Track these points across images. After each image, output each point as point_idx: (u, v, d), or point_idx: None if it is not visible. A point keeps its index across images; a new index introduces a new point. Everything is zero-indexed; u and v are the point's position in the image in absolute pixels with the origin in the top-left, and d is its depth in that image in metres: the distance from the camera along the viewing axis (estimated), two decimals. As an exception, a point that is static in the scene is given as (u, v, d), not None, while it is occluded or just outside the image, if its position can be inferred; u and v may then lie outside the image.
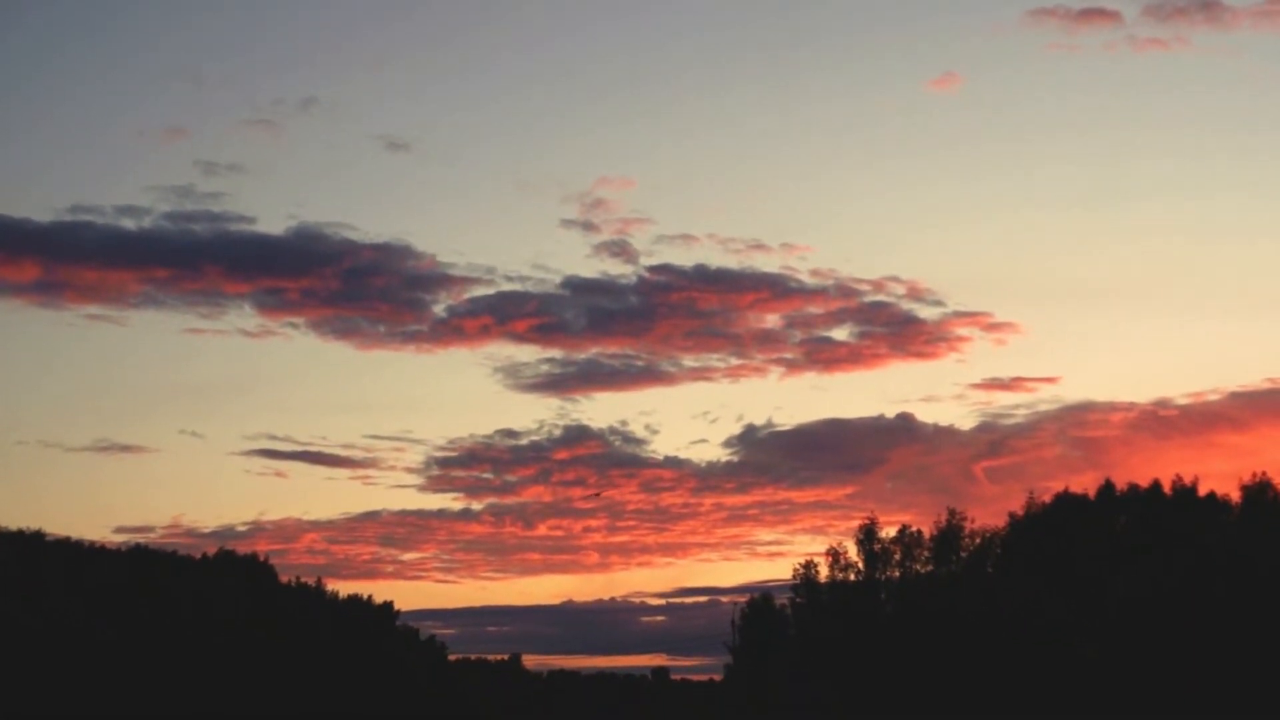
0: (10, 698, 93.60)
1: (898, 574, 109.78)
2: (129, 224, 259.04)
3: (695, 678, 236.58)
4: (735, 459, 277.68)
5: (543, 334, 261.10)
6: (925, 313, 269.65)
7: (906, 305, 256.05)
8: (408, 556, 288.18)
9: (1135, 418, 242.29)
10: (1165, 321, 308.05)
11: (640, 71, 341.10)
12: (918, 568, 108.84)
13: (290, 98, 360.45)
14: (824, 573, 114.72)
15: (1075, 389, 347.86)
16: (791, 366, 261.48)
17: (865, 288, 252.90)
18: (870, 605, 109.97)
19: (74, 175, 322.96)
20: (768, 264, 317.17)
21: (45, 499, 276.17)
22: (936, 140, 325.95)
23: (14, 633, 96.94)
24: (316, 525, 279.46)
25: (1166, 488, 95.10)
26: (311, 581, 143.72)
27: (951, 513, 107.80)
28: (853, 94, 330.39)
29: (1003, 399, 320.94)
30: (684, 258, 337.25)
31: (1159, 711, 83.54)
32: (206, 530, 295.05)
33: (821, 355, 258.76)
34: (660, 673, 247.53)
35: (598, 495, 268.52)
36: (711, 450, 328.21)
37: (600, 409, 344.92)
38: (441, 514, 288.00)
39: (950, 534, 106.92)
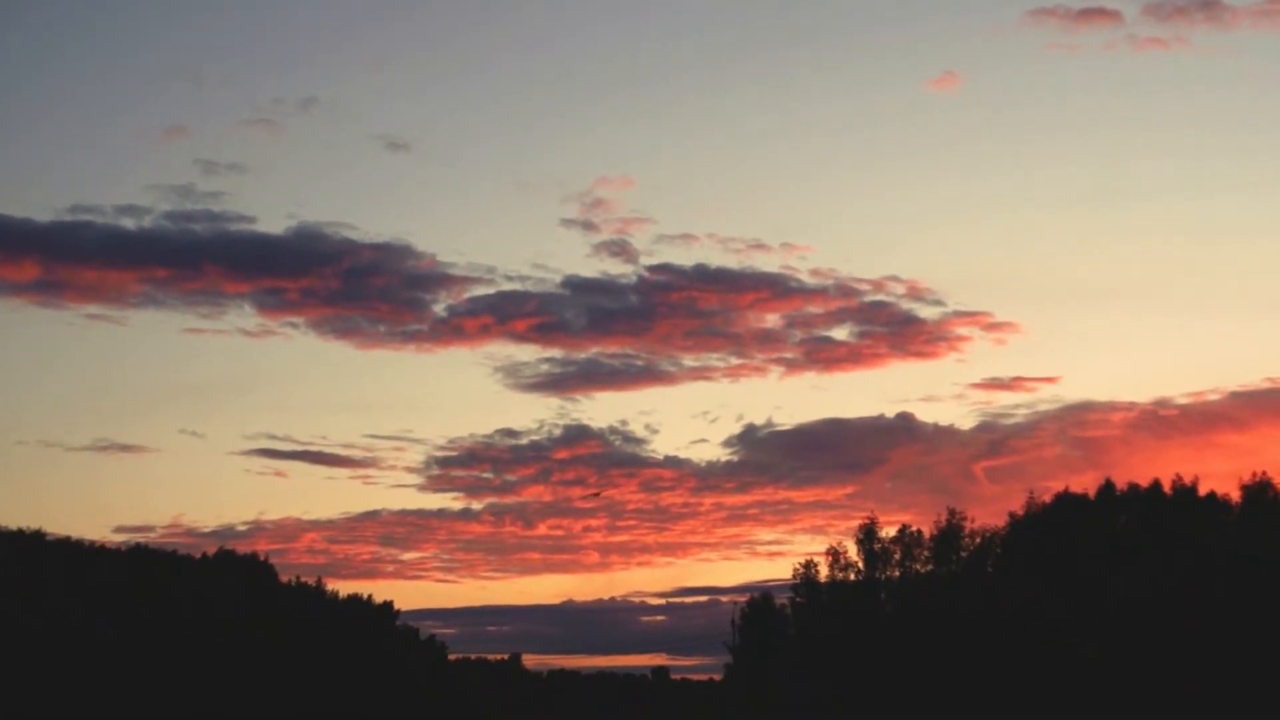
0: (10, 698, 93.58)
1: (898, 574, 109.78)
2: (129, 223, 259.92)
3: (695, 677, 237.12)
4: (735, 459, 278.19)
5: (543, 333, 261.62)
6: (925, 312, 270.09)
7: (906, 305, 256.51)
8: (408, 556, 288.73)
9: (1135, 417, 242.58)
10: (1165, 321, 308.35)
11: (640, 71, 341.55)
12: (918, 567, 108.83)
13: (290, 97, 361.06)
14: (824, 572, 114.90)
15: (1075, 389, 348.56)
16: (791, 366, 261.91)
17: (865, 287, 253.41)
18: (870, 605, 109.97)
19: (74, 175, 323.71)
20: (768, 264, 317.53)
21: (45, 498, 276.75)
22: (936, 140, 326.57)
23: (14, 633, 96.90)
24: (316, 525, 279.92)
25: (1167, 487, 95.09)
26: (311, 581, 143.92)
27: (951, 512, 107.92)
28: (853, 94, 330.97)
29: (1003, 399, 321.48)
30: (684, 257, 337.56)
31: (1159, 711, 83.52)
32: (206, 530, 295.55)
33: (821, 355, 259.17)
34: (660, 672, 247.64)
35: (597, 495, 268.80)
36: (711, 450, 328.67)
37: (600, 408, 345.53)
38: (441, 513, 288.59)
39: (950, 534, 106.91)
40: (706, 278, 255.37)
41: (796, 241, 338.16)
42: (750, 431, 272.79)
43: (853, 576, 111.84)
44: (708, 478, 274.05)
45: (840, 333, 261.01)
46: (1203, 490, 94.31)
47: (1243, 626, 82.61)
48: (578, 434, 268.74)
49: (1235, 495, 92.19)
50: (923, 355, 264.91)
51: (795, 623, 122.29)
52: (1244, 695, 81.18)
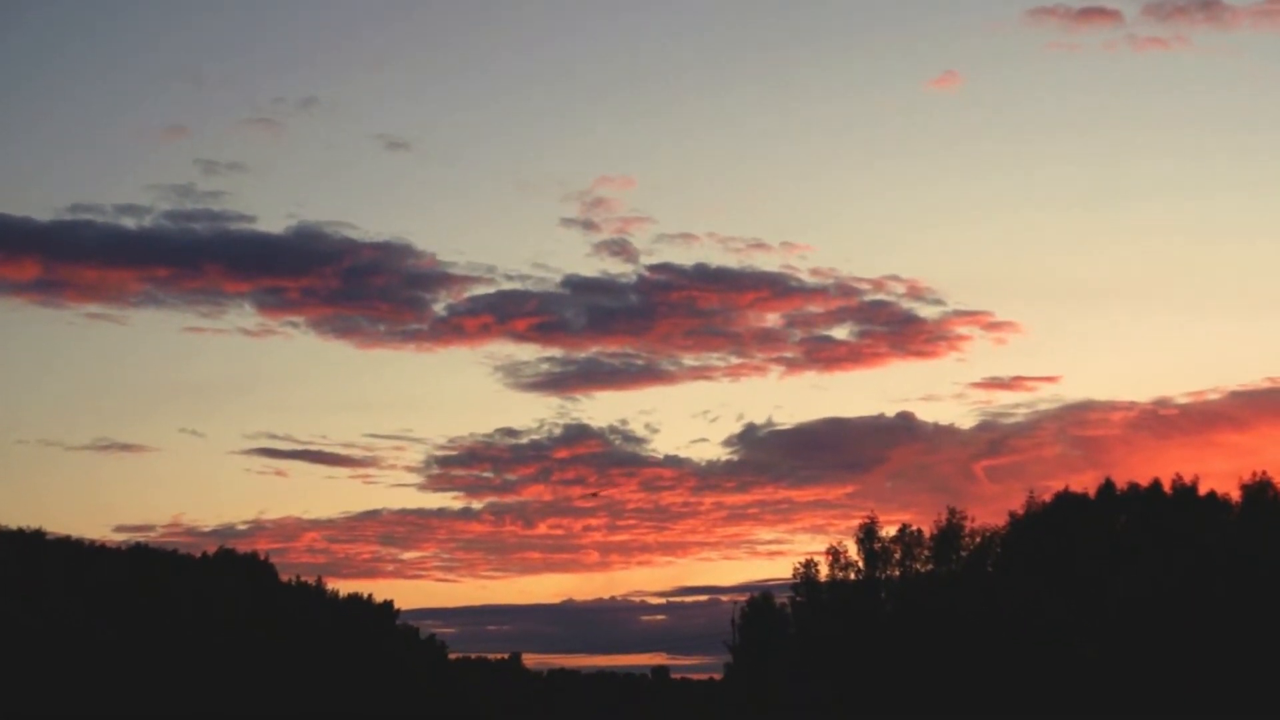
0: (10, 698, 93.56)
1: (898, 573, 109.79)
2: (129, 223, 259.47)
3: (695, 677, 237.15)
4: (735, 458, 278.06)
5: (543, 333, 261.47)
6: (925, 312, 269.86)
7: (907, 304, 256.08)
8: (408, 555, 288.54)
9: (1135, 417, 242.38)
10: (1165, 321, 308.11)
11: (640, 71, 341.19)
12: (918, 567, 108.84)
13: (290, 97, 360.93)
14: (824, 572, 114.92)
15: (1075, 388, 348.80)
16: (791, 365, 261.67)
17: (865, 287, 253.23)
18: (870, 604, 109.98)
19: (74, 174, 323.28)
20: (768, 263, 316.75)
21: (45, 498, 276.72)
22: (936, 139, 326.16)
23: (14, 633, 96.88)
24: (317, 524, 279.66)
25: (1167, 487, 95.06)
26: (312, 580, 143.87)
27: (952, 512, 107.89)
28: (853, 94, 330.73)
29: (1003, 398, 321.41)
30: (684, 257, 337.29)
31: (1159, 711, 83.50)
32: (207, 529, 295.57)
33: (821, 354, 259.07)
34: (660, 672, 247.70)
35: (595, 495, 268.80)
36: (711, 449, 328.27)
37: (600, 408, 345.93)
38: (442, 513, 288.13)
39: (950, 533, 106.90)
40: (707, 277, 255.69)
41: (797, 241, 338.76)
42: (750, 431, 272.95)
43: (853, 576, 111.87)
44: (708, 477, 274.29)
45: (840, 332, 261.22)
46: (1203, 490, 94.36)
47: (1243, 626, 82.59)
48: (578, 433, 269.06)
49: (1235, 495, 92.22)
50: (923, 355, 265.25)
51: (795, 622, 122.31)
52: (1244, 695, 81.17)
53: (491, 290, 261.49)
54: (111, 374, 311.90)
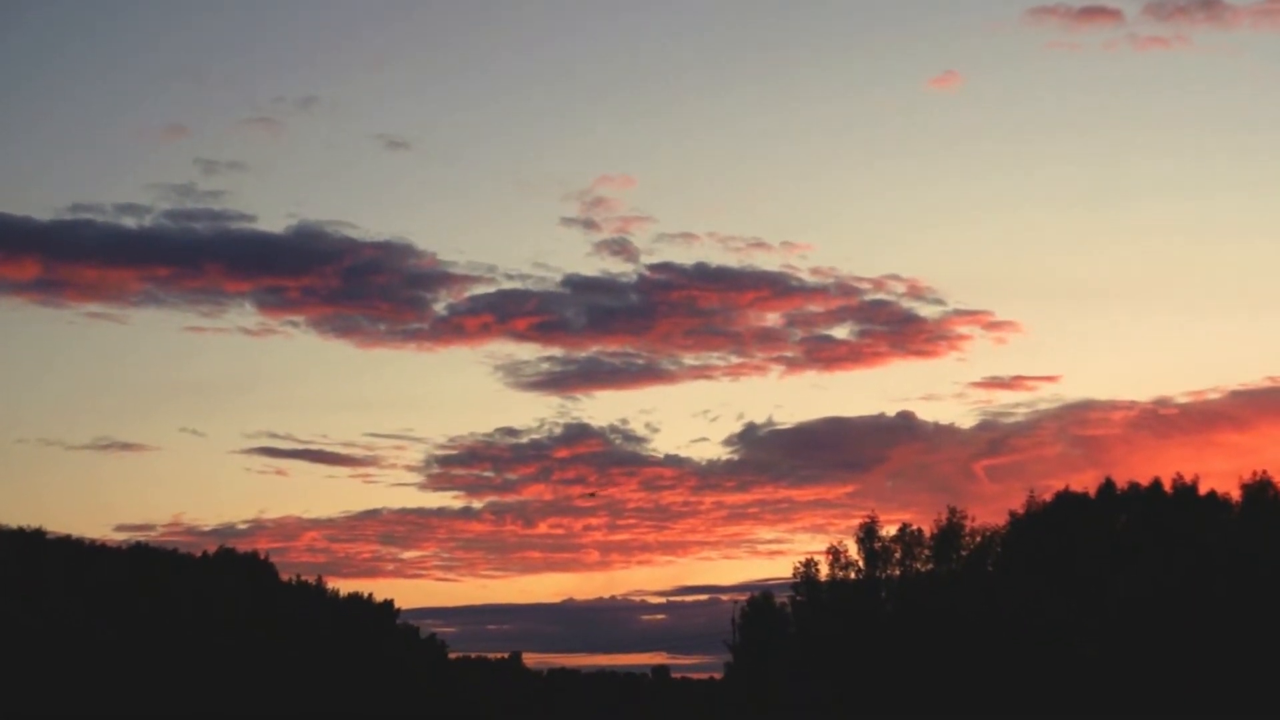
0: (10, 698, 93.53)
1: (898, 573, 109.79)
2: (129, 222, 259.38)
3: (696, 676, 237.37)
4: (735, 457, 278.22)
5: (543, 332, 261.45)
6: (926, 311, 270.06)
7: (907, 304, 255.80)
8: (408, 555, 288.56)
9: (1136, 416, 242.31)
10: (1166, 320, 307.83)
11: (640, 71, 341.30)
12: (918, 566, 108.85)
13: (290, 96, 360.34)
14: (824, 571, 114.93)
15: (1076, 387, 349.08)
16: (792, 365, 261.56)
17: (866, 286, 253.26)
18: (870, 604, 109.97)
19: (74, 174, 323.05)
20: (768, 262, 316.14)
21: (46, 497, 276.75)
22: (937, 139, 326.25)
23: (14, 632, 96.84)
24: (317, 523, 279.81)
25: (1167, 486, 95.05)
26: (312, 580, 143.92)
27: (952, 511, 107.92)
28: (853, 93, 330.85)
29: (1003, 397, 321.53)
30: (684, 256, 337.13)
31: (1159, 711, 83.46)
32: (207, 528, 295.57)
33: (822, 354, 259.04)
34: (661, 671, 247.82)
35: (593, 495, 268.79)
36: (712, 449, 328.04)
37: (601, 407, 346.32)
38: (442, 512, 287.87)
39: (950, 533, 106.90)
40: (707, 276, 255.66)
41: (797, 240, 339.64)
42: (751, 430, 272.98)
43: (853, 575, 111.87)
44: (708, 476, 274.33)
45: (841, 331, 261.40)
46: (1203, 489, 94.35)
47: (1243, 626, 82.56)
48: (578, 433, 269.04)
49: (1236, 494, 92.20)
50: (923, 354, 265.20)
51: (795, 621, 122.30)
52: (1244, 695, 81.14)
53: (492, 290, 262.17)
54: (112, 373, 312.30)
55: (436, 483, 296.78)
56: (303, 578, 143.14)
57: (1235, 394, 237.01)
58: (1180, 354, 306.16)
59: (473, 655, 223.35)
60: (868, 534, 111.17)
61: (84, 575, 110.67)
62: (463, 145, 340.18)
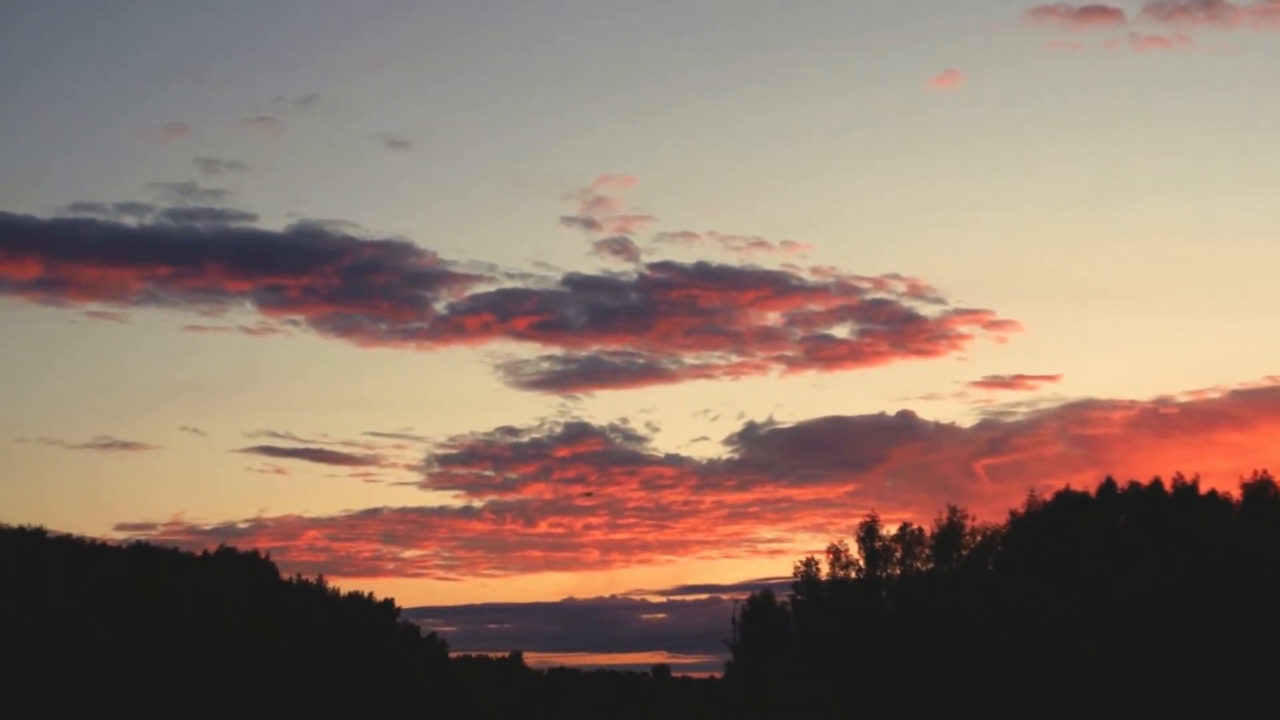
0: (10, 698, 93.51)
1: (898, 572, 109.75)
2: (130, 221, 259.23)
3: (696, 675, 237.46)
4: (736, 456, 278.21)
5: (544, 331, 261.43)
6: (926, 310, 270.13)
7: (907, 303, 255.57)
8: (409, 554, 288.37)
9: (1136, 416, 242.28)
10: (1166, 320, 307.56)
11: (640, 71, 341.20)
12: (918, 566, 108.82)
13: (291, 95, 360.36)
14: (825, 570, 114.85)
15: (1076, 387, 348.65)
16: (792, 364, 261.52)
17: (866, 285, 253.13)
18: (871, 603, 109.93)
19: (75, 173, 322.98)
20: (769, 262, 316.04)
21: (46, 496, 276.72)
22: (937, 138, 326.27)
23: (14, 632, 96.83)
24: (317, 522, 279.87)
25: (1167, 486, 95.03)
26: (312, 579, 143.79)
27: (952, 510, 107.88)
28: (853, 93, 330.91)
29: (1004, 397, 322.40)
30: (685, 255, 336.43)
31: (1159, 711, 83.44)
32: (207, 527, 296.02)
33: (822, 353, 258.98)
34: (661, 670, 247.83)
35: (590, 495, 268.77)
36: (712, 448, 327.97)
37: (601, 406, 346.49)
38: (442, 511, 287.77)
39: (951, 532, 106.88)
40: (707, 276, 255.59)
41: (797, 239, 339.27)
42: (751, 429, 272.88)
43: (853, 575, 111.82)
44: (708, 476, 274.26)
45: (841, 331, 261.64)
46: (1204, 489, 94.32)
47: (1244, 626, 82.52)
48: (579, 432, 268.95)
49: (1236, 494, 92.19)
50: (924, 353, 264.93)
51: (796, 621, 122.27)
52: (1244, 695, 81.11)
53: (492, 289, 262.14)
54: (112, 372, 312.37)
55: (437, 482, 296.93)
56: (303, 577, 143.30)
57: (1236, 393, 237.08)
58: (1181, 353, 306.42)
59: (473, 654, 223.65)
60: (868, 533, 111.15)
61: (84, 574, 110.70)
62: (463, 144, 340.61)
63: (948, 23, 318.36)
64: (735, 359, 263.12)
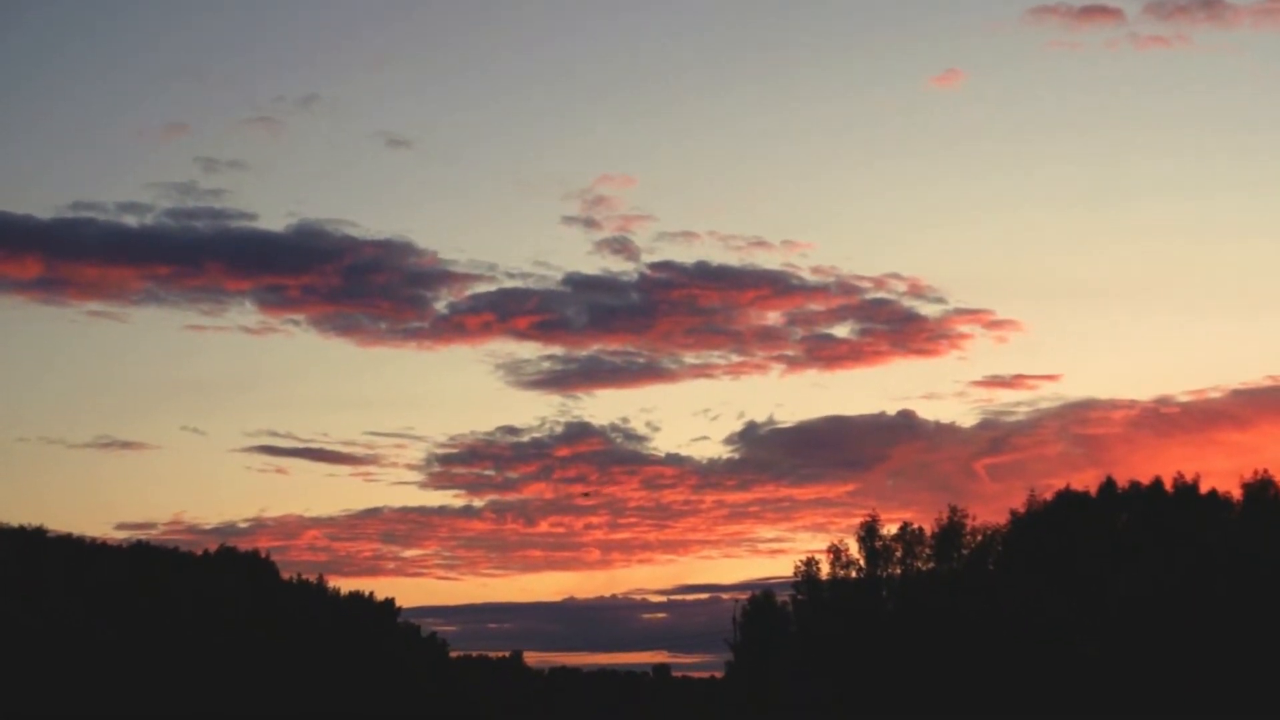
0: (10, 698, 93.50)
1: (899, 571, 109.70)
2: (130, 221, 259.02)
3: (696, 675, 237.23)
4: (736, 456, 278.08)
5: (544, 331, 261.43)
6: (926, 310, 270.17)
7: (908, 302, 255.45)
8: (409, 553, 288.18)
9: (1137, 415, 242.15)
10: (1166, 319, 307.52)
11: (640, 71, 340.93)
12: (919, 565, 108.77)
13: (291, 95, 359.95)
14: (825, 570, 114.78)
15: (1077, 386, 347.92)
16: (793, 363, 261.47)
17: (866, 285, 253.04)
18: (871, 603, 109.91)
19: (75, 172, 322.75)
20: (769, 261, 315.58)
21: (46, 495, 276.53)
22: (937, 138, 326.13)
23: (14, 632, 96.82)
24: (318, 522, 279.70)
25: (1168, 485, 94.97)
26: (313, 578, 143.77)
27: (953, 510, 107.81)
28: (853, 92, 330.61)
29: (1004, 396, 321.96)
30: (685, 255, 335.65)
31: (1160, 711, 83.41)
32: (208, 527, 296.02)
33: (823, 352, 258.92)
34: (661, 670, 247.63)
35: (587, 495, 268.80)
36: (713, 447, 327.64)
37: (601, 406, 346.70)
38: (443, 511, 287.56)
39: (951, 531, 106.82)
40: (708, 275, 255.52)
41: (798, 239, 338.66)
42: (751, 429, 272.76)
43: (854, 574, 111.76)
44: (709, 475, 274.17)
45: (841, 330, 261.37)
46: (1204, 488, 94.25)
47: (1244, 625, 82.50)
48: (579, 431, 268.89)
49: (1237, 493, 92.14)
50: (924, 353, 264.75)
51: (796, 620, 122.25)
52: (1245, 695, 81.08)
53: (493, 288, 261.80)
54: (113, 372, 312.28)
55: (437, 481, 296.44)
56: (303, 576, 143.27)
57: (1236, 393, 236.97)
58: (1181, 353, 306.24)
59: (474, 654, 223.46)
60: (869, 533, 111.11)
61: (84, 574, 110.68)
62: (463, 144, 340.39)
63: (948, 22, 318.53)
64: (735, 358, 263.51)
